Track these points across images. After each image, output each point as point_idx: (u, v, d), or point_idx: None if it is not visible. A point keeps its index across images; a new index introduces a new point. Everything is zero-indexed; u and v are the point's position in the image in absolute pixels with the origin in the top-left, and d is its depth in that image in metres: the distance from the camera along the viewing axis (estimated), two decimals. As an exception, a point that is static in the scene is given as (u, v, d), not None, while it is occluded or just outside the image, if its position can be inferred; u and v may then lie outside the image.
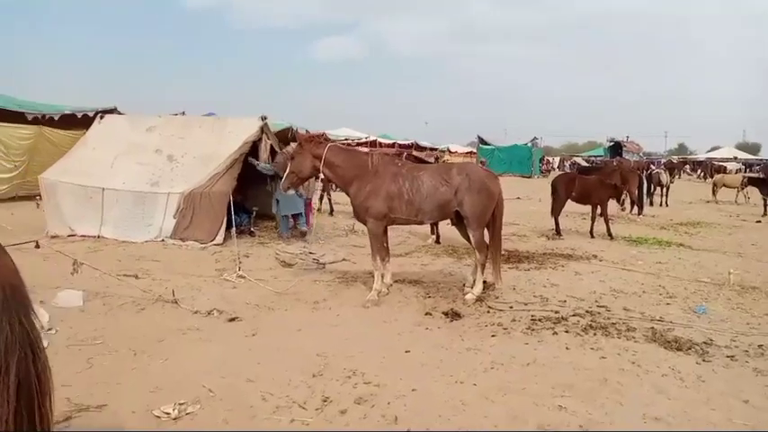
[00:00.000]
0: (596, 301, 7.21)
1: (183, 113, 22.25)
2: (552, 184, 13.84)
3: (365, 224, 7.21)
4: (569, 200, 13.54)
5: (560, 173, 30.14)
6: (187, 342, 5.46)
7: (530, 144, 45.09)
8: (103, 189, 10.66)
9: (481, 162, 22.46)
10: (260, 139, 11.70)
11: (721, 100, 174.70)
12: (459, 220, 7.23)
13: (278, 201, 11.21)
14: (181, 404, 4.08)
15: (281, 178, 7.63)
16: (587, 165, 36.07)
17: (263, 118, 11.84)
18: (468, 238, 7.29)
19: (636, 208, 17.38)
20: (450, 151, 66.25)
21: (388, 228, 7.43)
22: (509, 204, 20.98)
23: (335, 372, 4.75)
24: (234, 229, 10.23)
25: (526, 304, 6.92)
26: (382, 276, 7.21)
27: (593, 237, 13.06)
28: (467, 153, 60.76)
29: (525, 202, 22.23)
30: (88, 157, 11.48)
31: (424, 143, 56.15)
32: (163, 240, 10.23)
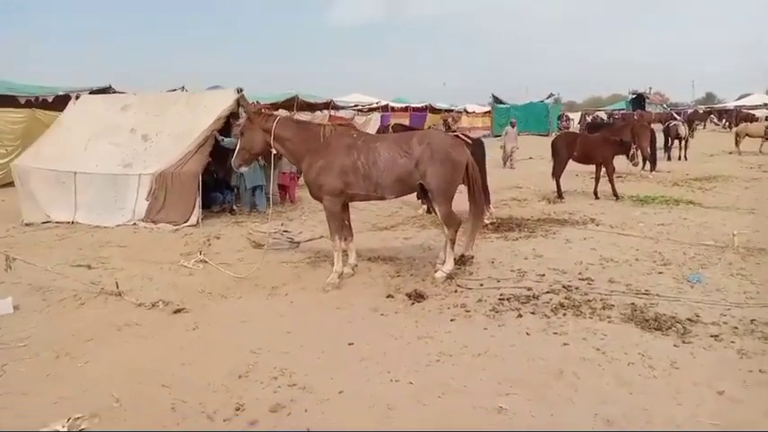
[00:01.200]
0: (579, 274, 6.62)
1: (183, 89, 21.80)
2: (552, 144, 13.09)
3: (321, 201, 6.68)
4: (572, 160, 12.83)
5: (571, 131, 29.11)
6: (117, 340, 5.05)
7: (546, 101, 43.63)
8: (75, 173, 10.30)
9: (511, 123, 20.97)
10: (236, 112, 11.17)
11: (751, 46, 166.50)
12: (425, 194, 6.64)
13: (242, 174, 10.74)
14: (76, 419, 3.67)
15: None
16: (597, 121, 34.44)
17: (239, 90, 11.28)
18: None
19: (648, 164, 16.52)
20: (467, 112, 64.96)
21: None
22: (519, 165, 20.49)
23: (263, 372, 4.30)
24: (198, 209, 9.87)
25: (499, 281, 6.37)
26: (344, 256, 6.71)
27: (597, 198, 12.39)
28: (485, 113, 59.44)
29: (536, 162, 21.38)
30: (62, 140, 11.10)
31: (440, 105, 54.88)
32: (135, 224, 9.86)
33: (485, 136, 45.87)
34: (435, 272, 6.60)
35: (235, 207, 11.36)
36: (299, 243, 8.49)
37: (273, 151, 6.83)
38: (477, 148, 10.06)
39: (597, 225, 9.53)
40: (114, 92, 18.90)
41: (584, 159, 12.84)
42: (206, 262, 7.38)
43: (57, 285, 6.38)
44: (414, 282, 6.45)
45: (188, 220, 9.71)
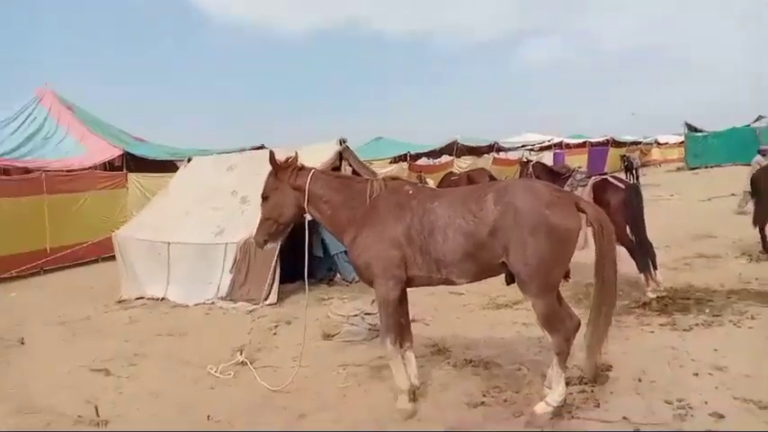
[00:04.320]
0: (794, 414, 3.82)
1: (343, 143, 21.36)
2: (752, 182, 9.71)
3: (372, 286, 4.69)
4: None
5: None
6: None
7: (754, 124, 36.89)
8: (169, 243, 9.44)
9: (761, 151, 15.32)
10: (338, 168, 9.71)
11: None
12: (514, 279, 4.34)
13: (323, 240, 9.11)
14: None
15: None
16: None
17: (342, 141, 9.84)
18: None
19: None
20: (658, 143, 58.59)
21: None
22: (717, 204, 16.41)
23: None
24: (276, 285, 8.46)
25: (638, 430, 3.81)
26: (405, 368, 4.63)
27: (827, 254, 8.76)
28: (680, 143, 52.92)
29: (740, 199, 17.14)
30: (165, 208, 10.49)
31: (626, 137, 49.85)
32: (213, 303, 8.66)
33: (678, 169, 40.22)
34: (541, 401, 4.23)
35: (337, 277, 9.78)
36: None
37: (308, 217, 5.06)
38: (632, 194, 7.42)
39: (828, 304, 6.28)
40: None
41: (802, 200, 9.32)
42: (246, 364, 5.78)
43: (45, 405, 5.11)
44: (503, 416, 4.17)
45: (267, 297, 8.26)
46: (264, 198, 4.97)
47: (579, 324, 4.34)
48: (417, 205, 4.40)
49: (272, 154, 4.91)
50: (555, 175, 9.49)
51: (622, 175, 27.48)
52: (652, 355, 5.10)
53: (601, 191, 7.69)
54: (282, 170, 4.89)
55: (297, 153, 5.09)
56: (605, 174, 8.73)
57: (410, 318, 6.89)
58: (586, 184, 8.06)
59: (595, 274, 4.22)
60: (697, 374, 4.57)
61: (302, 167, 4.94)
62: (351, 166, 9.94)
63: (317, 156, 9.73)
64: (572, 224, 4.06)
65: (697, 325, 5.86)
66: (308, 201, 4.78)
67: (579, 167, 9.99)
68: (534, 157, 25.15)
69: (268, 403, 4.86)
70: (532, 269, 3.98)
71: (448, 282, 4.43)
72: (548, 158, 30.30)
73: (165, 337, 7.14)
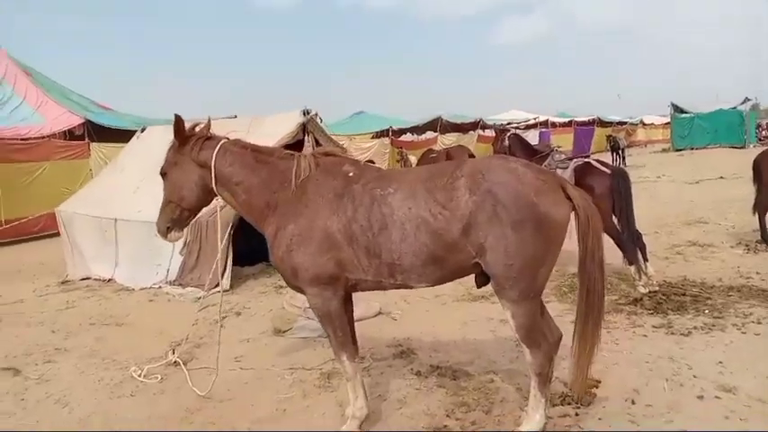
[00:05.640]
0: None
1: (307, 113, 20.39)
2: (755, 165, 8.94)
3: (301, 293, 3.86)
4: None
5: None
6: None
7: (740, 107, 36.36)
8: (116, 220, 8.58)
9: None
10: (300, 141, 8.84)
11: None
12: (486, 281, 3.56)
13: None
14: None
15: None
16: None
17: (306, 112, 8.94)
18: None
19: None
20: (644, 124, 58.26)
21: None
22: (706, 187, 15.83)
23: None
24: (229, 270, 7.56)
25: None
26: (363, 387, 3.84)
27: (829, 246, 8.12)
28: (665, 124, 52.68)
29: (730, 183, 16.61)
30: (114, 181, 9.57)
31: (612, 117, 49.37)
32: (159, 287, 7.84)
33: (663, 150, 39.71)
34: (515, 427, 3.50)
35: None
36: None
37: (220, 203, 4.18)
38: (619, 181, 6.63)
39: (840, 305, 5.61)
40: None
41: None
42: (178, 364, 5.00)
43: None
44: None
45: (218, 283, 7.46)
46: (163, 175, 4.00)
47: (561, 338, 3.59)
48: (362, 192, 3.49)
49: (178, 120, 3.81)
50: (532, 152, 8.66)
51: (608, 156, 26.93)
52: (645, 367, 4.38)
53: (583, 175, 6.88)
54: (184, 140, 3.87)
55: (209, 120, 4.03)
56: (588, 156, 7.94)
57: (377, 311, 6.33)
58: (567, 167, 7.27)
59: (579, 276, 3.45)
60: (701, 397, 3.84)
61: (209, 137, 3.90)
62: (316, 140, 9.07)
63: (277, 127, 8.91)
64: (563, 214, 3.27)
65: (696, 328, 5.16)
66: (215, 181, 3.80)
67: (558, 147, 9.13)
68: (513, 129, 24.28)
69: (193, 417, 4.09)
70: (515, 271, 3.19)
71: (404, 286, 3.58)
72: (533, 136, 29.55)
73: (98, 327, 6.32)
